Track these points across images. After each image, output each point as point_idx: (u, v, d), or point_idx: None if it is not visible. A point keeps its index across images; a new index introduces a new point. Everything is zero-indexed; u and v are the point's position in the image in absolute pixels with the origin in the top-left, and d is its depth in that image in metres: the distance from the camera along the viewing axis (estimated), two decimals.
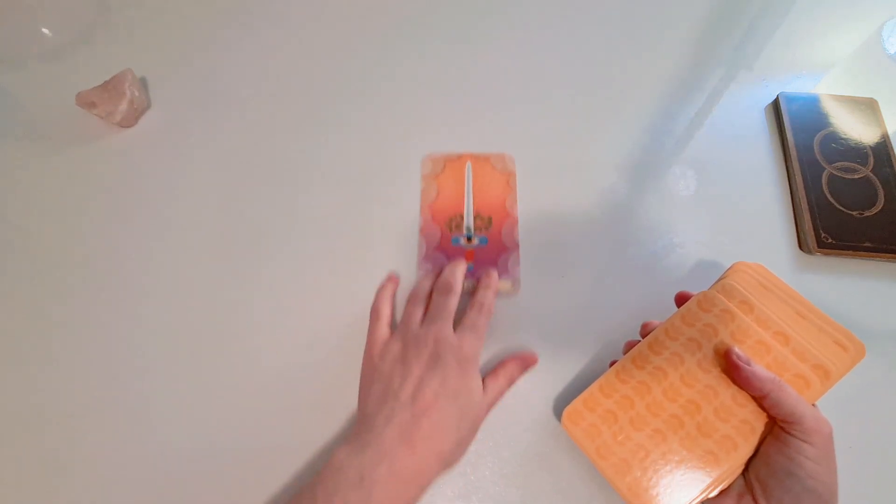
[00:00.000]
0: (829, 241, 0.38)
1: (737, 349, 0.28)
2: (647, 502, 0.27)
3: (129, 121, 0.45)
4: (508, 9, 0.51)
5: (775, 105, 0.45)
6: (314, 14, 0.52)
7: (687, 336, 0.30)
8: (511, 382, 0.34)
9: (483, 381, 0.32)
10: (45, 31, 0.52)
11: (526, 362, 0.35)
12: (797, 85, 0.47)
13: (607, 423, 0.29)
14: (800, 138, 0.43)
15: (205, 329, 0.37)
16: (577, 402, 0.30)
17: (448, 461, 0.29)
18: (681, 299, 0.32)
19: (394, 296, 0.37)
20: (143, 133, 0.46)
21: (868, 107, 0.44)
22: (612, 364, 0.31)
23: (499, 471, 0.33)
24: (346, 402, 0.34)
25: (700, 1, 0.52)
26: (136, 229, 0.41)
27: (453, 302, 0.34)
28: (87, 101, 0.44)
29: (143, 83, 0.48)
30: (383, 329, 0.35)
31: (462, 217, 0.40)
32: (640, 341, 0.31)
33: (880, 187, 0.40)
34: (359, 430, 0.29)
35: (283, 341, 0.37)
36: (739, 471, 0.27)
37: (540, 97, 0.47)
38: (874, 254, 0.38)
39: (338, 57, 0.49)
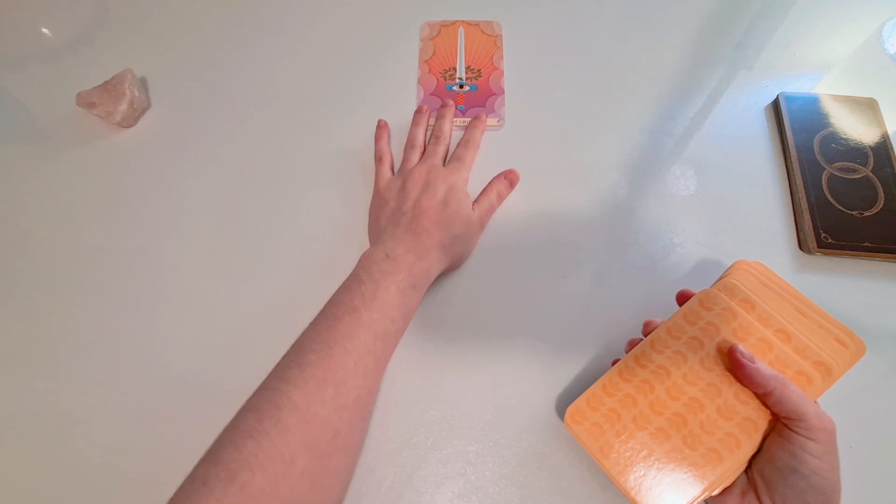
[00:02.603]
0: (829, 241, 0.38)
1: (740, 346, 0.28)
2: (650, 500, 0.27)
3: (129, 121, 0.45)
4: (510, 8, 0.52)
5: (775, 105, 0.45)
6: (313, 13, 0.52)
7: (689, 334, 0.30)
8: (500, 197, 0.41)
9: (477, 199, 0.40)
10: (45, 31, 0.52)
11: (509, 176, 0.42)
12: (797, 85, 0.47)
13: (610, 422, 0.29)
14: (800, 138, 0.43)
15: (206, 328, 0.38)
16: (579, 401, 0.30)
17: (449, 253, 0.36)
18: (682, 298, 0.32)
19: (389, 139, 0.44)
20: (143, 133, 0.46)
21: (868, 107, 0.44)
22: (614, 363, 0.31)
23: (499, 471, 0.33)
24: None
25: (700, 1, 0.52)
26: (136, 229, 0.41)
27: (443, 148, 0.42)
28: (87, 101, 0.44)
29: (143, 83, 0.48)
30: (386, 170, 0.41)
31: (455, 69, 0.48)
32: (642, 340, 0.31)
33: (880, 187, 0.40)
34: (375, 239, 0.37)
35: (288, 340, 0.37)
36: (742, 468, 0.27)
37: (539, 97, 0.47)
38: (874, 254, 0.38)
39: (337, 58, 0.49)
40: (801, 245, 0.39)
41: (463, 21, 0.51)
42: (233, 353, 0.36)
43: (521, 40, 0.50)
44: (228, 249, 0.40)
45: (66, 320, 0.38)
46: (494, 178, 0.42)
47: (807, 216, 0.39)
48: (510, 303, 0.38)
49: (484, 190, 0.41)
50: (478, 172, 0.42)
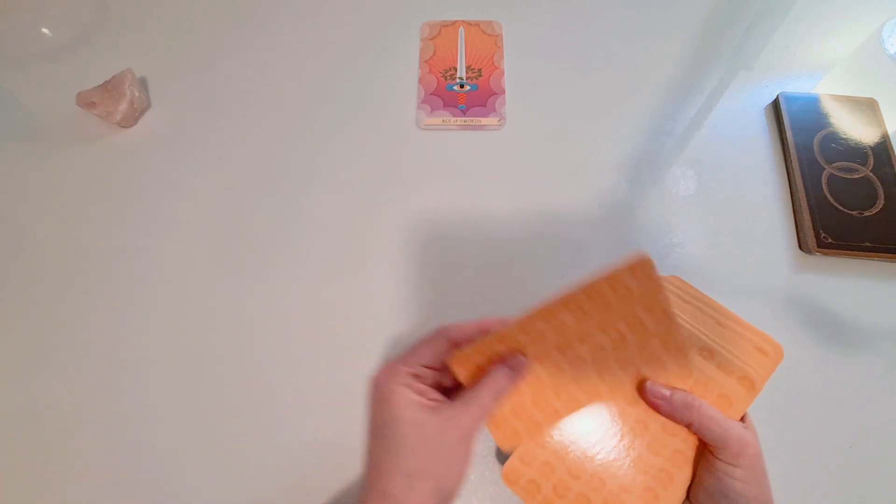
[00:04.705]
0: (829, 240, 0.38)
1: (650, 384, 0.27)
2: None
3: (129, 121, 0.45)
4: (510, 8, 0.52)
5: (775, 105, 0.45)
6: (312, 13, 0.52)
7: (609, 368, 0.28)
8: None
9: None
10: (45, 31, 0.52)
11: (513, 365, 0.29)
12: (797, 85, 0.47)
13: (545, 476, 0.28)
14: (800, 138, 0.43)
15: (205, 329, 0.37)
16: (513, 459, 0.28)
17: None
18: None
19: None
20: (143, 133, 0.46)
21: (868, 107, 0.44)
22: None
23: (499, 471, 0.33)
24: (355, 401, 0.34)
25: (700, 1, 0.52)
26: (136, 229, 0.41)
27: None
28: (87, 101, 0.44)
29: (143, 83, 0.48)
30: None
31: (455, 69, 0.48)
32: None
33: (880, 187, 0.40)
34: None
35: (286, 341, 0.37)
36: (681, 501, 0.27)
37: (539, 97, 0.47)
38: (874, 254, 0.38)
39: (337, 58, 0.49)
40: (801, 245, 0.39)
41: (463, 21, 0.51)
42: (232, 353, 0.36)
43: (521, 40, 0.50)
44: (228, 249, 0.40)
45: (65, 320, 0.38)
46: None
47: (807, 216, 0.39)
48: (510, 303, 0.38)
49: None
50: (478, 172, 0.42)
